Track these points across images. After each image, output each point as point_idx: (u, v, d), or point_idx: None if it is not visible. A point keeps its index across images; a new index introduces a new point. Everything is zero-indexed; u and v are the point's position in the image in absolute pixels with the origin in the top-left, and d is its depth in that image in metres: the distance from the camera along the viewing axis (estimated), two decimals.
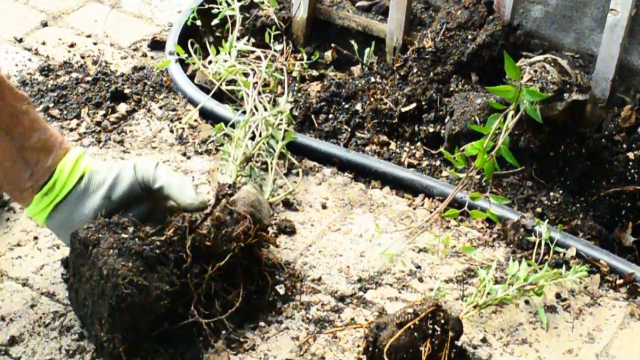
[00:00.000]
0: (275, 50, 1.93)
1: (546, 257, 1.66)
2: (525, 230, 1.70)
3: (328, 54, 2.25)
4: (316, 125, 1.99)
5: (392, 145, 1.97)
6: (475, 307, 1.51)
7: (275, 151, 1.78)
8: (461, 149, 1.57)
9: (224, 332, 1.46)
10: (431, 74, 2.04)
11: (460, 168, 1.59)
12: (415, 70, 2.05)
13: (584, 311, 1.58)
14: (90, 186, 1.49)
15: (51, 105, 1.97)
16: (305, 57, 2.14)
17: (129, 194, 1.49)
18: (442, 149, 1.68)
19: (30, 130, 1.46)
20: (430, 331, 1.37)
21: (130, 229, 1.43)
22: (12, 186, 1.49)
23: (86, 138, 1.89)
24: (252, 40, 2.08)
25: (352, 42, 2.22)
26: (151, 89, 2.07)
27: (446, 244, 1.68)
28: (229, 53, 1.90)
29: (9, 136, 1.44)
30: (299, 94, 2.06)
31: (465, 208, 1.60)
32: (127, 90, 2.04)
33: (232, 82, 1.91)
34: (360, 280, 1.61)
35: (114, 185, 1.48)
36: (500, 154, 1.55)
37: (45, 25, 2.27)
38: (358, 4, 2.38)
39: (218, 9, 2.07)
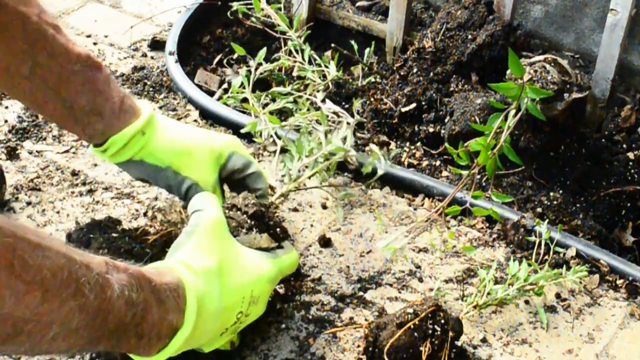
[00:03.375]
0: (354, 115, 1.87)
1: (546, 257, 1.66)
2: (525, 230, 1.70)
3: (328, 54, 2.25)
4: None
5: (392, 145, 1.97)
6: (475, 307, 1.52)
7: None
8: (465, 144, 1.57)
9: None
10: (431, 74, 2.04)
11: (463, 164, 1.59)
12: (415, 70, 2.05)
13: (584, 311, 1.58)
14: (146, 172, 1.51)
15: None
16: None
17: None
18: (446, 145, 1.68)
19: (79, 93, 1.43)
20: (430, 331, 1.37)
21: (119, 228, 1.44)
22: (70, 130, 1.50)
23: None
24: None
25: (352, 42, 2.22)
26: (151, 89, 2.07)
27: (451, 238, 1.68)
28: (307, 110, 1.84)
29: (58, 95, 1.42)
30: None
31: (467, 205, 1.60)
32: (127, 90, 2.04)
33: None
34: (360, 280, 1.61)
35: (169, 187, 1.53)
36: (503, 151, 1.55)
37: None
38: (358, 4, 2.38)
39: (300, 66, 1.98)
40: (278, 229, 1.46)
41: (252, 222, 1.42)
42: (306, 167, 1.64)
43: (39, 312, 0.98)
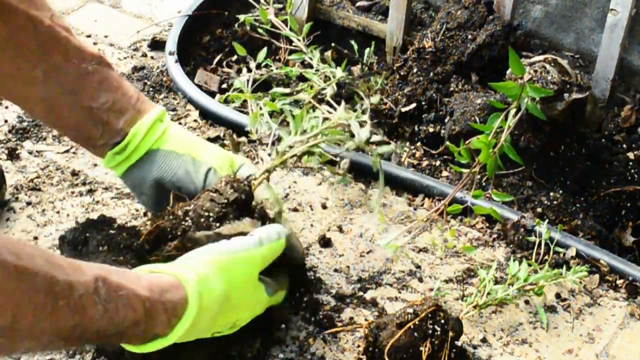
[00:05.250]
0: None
1: (546, 257, 1.66)
2: (525, 230, 1.70)
3: (328, 54, 2.25)
4: None
5: (392, 145, 1.97)
6: (475, 307, 1.52)
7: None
8: (467, 142, 1.57)
9: None
10: (431, 74, 2.04)
11: (463, 163, 1.59)
12: (415, 70, 2.05)
13: (584, 311, 1.58)
14: (162, 165, 1.47)
15: None
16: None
17: (193, 194, 1.48)
18: (447, 143, 1.68)
19: (97, 91, 1.42)
20: (430, 331, 1.37)
21: (115, 225, 1.44)
22: (84, 143, 1.49)
23: None
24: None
25: (352, 42, 2.22)
26: (151, 89, 2.07)
27: (451, 235, 1.68)
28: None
29: (76, 97, 1.41)
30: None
31: (469, 204, 1.60)
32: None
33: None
34: (360, 280, 1.61)
35: (183, 181, 1.48)
36: (503, 151, 1.55)
37: None
38: (358, 4, 2.38)
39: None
40: (262, 209, 1.46)
41: (235, 207, 1.42)
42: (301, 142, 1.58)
43: (7, 332, 0.98)
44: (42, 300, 1.01)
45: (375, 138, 1.66)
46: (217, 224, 1.40)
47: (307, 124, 1.59)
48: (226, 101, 1.96)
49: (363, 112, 1.72)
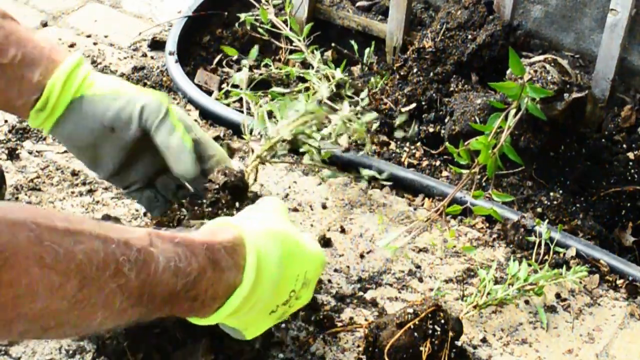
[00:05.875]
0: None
1: (546, 257, 1.66)
2: (525, 230, 1.70)
3: (328, 54, 2.25)
4: None
5: (392, 145, 1.97)
6: (475, 307, 1.52)
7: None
8: (466, 143, 1.57)
9: None
10: (431, 74, 2.04)
11: (463, 163, 1.59)
12: (415, 70, 2.05)
13: (584, 311, 1.58)
14: (89, 112, 1.38)
15: None
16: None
17: (132, 137, 1.41)
18: (447, 144, 1.68)
19: (4, 46, 1.35)
20: (430, 331, 1.37)
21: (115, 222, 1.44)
22: (6, 106, 1.40)
23: None
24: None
25: (352, 42, 2.22)
26: (151, 89, 2.07)
27: (451, 236, 1.68)
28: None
29: None
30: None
31: (468, 204, 1.60)
32: None
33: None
34: (360, 280, 1.61)
35: (115, 121, 1.39)
36: (503, 151, 1.55)
37: (45, 25, 2.27)
38: (358, 4, 2.38)
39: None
40: (256, 198, 1.45)
41: (226, 192, 1.41)
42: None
43: (77, 300, 0.94)
44: (102, 259, 0.96)
45: (346, 110, 1.66)
46: (210, 209, 1.39)
47: (291, 111, 1.59)
48: (226, 95, 1.95)
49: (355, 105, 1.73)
